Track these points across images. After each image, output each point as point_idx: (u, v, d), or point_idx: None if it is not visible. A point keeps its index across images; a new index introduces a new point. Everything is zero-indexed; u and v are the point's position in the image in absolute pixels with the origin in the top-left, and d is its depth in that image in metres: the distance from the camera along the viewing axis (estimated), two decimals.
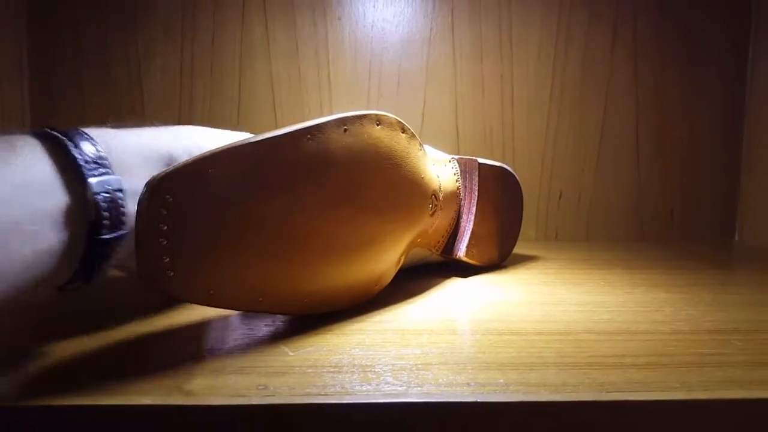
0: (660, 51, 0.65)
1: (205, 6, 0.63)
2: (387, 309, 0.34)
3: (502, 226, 0.48)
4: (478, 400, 0.21)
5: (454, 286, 0.41)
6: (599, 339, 0.29)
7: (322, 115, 0.62)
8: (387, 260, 0.35)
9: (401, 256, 0.36)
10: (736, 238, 0.67)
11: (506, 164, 0.49)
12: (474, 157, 0.45)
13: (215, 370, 0.24)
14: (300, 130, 0.29)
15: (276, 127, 0.62)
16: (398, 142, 0.34)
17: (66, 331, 0.29)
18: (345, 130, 0.31)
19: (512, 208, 0.50)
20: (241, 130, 0.35)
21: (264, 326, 0.30)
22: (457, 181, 0.43)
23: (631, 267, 0.49)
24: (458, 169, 0.44)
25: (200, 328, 0.30)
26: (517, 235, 0.51)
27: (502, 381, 0.23)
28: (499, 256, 0.48)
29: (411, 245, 0.37)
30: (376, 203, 0.33)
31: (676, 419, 0.22)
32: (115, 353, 0.27)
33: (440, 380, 0.23)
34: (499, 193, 0.47)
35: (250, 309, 0.29)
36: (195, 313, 0.33)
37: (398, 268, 0.36)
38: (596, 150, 0.66)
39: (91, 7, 0.62)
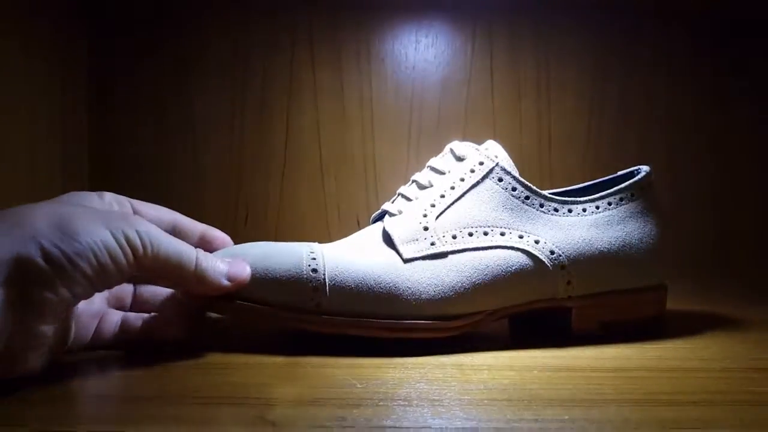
0: (693, 85, 0.67)
1: (257, 48, 0.66)
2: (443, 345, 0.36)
3: None
4: None
5: None
6: (652, 376, 0.30)
7: (364, 151, 0.64)
8: None
9: None
10: None
11: None
12: None
13: (292, 401, 0.26)
14: None
15: (321, 163, 0.65)
16: None
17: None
18: None
19: None
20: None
21: (328, 358, 0.32)
22: None
23: (673, 302, 0.49)
24: None
25: (269, 359, 0.32)
26: None
27: (567, 417, 0.24)
28: None
29: None
30: None
31: None
32: (192, 385, 0.29)
33: (508, 416, 0.24)
34: None
35: None
36: (266, 348, 0.35)
37: None
38: None
39: (147, 49, 0.66)
